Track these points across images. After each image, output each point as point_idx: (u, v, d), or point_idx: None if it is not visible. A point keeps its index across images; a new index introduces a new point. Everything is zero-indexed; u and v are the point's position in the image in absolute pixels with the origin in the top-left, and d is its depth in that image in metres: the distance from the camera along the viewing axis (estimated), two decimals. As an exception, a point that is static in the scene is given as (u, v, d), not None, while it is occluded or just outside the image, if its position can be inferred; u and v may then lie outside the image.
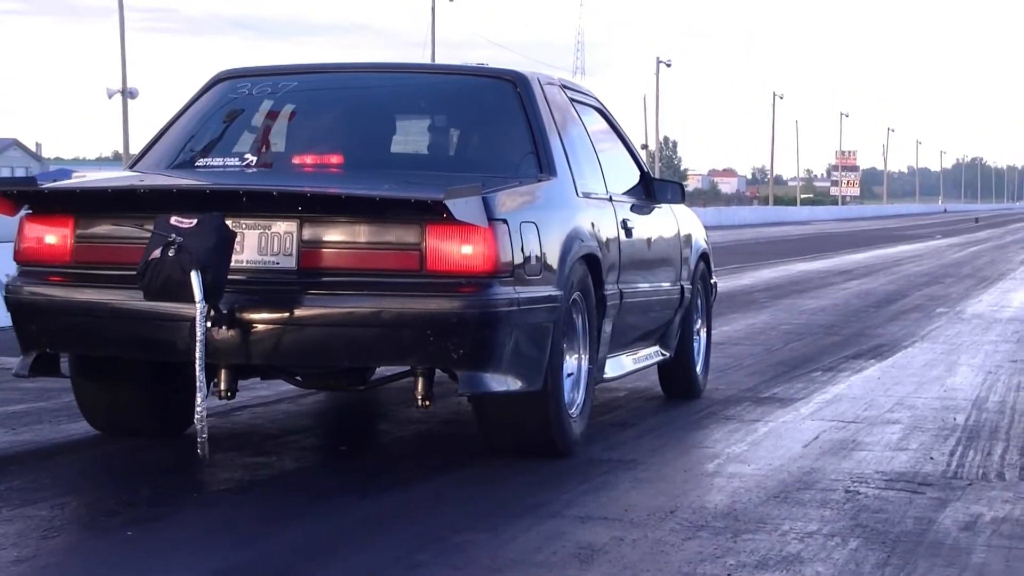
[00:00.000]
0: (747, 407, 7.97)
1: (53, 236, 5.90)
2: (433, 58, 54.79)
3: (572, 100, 7.19)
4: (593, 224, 6.60)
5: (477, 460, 6.23)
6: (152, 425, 6.53)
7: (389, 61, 7.83)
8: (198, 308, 5.43)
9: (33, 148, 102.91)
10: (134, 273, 5.54)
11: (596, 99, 7.73)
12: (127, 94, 50.61)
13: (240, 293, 5.62)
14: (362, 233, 5.65)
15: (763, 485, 5.80)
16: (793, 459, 6.40)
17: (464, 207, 5.45)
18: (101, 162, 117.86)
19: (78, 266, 5.88)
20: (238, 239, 5.62)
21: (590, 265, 6.46)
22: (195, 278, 5.41)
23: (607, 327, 6.75)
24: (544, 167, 6.45)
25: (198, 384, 5.49)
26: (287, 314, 5.62)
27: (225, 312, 5.58)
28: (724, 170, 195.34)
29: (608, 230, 6.82)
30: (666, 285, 7.79)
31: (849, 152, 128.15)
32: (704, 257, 8.57)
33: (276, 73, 7.09)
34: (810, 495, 5.62)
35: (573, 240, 6.26)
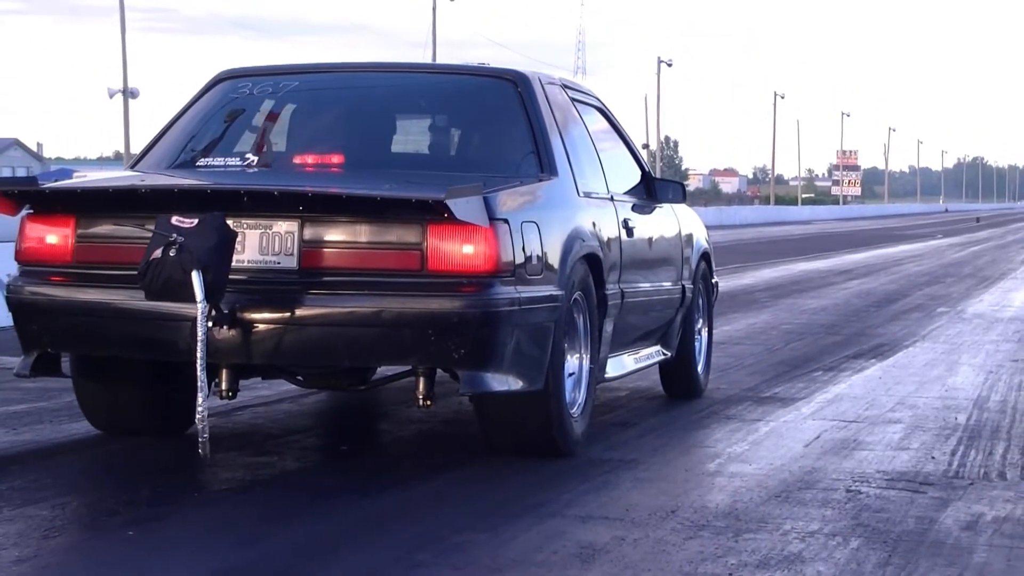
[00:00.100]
0: (748, 406, 7.97)
1: (54, 236, 5.90)
2: (434, 58, 54.80)
3: (573, 100, 7.19)
4: (594, 224, 6.60)
5: (478, 460, 6.23)
6: (153, 425, 6.53)
7: (390, 61, 7.83)
8: (199, 308, 5.43)
9: (34, 148, 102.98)
10: (135, 273, 5.54)
11: (597, 99, 7.73)
12: (128, 94, 50.63)
13: (241, 293, 5.62)
14: (363, 233, 5.65)
15: (764, 484, 5.80)
16: (794, 458, 6.40)
17: (465, 207, 5.45)
18: (102, 162, 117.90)
19: (79, 266, 5.88)
20: (239, 239, 5.62)
21: (591, 265, 6.46)
22: (196, 278, 5.41)
23: (608, 327, 6.75)
24: (545, 167, 6.45)
25: (199, 384, 5.49)
26: (288, 314, 5.62)
27: (226, 312, 5.58)
28: (725, 170, 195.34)
29: (609, 230, 6.82)
30: (667, 285, 7.79)
31: (850, 152, 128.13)
32: (705, 257, 8.57)
33: (277, 73, 7.09)
34: (811, 494, 5.62)
35: (574, 240, 6.26)
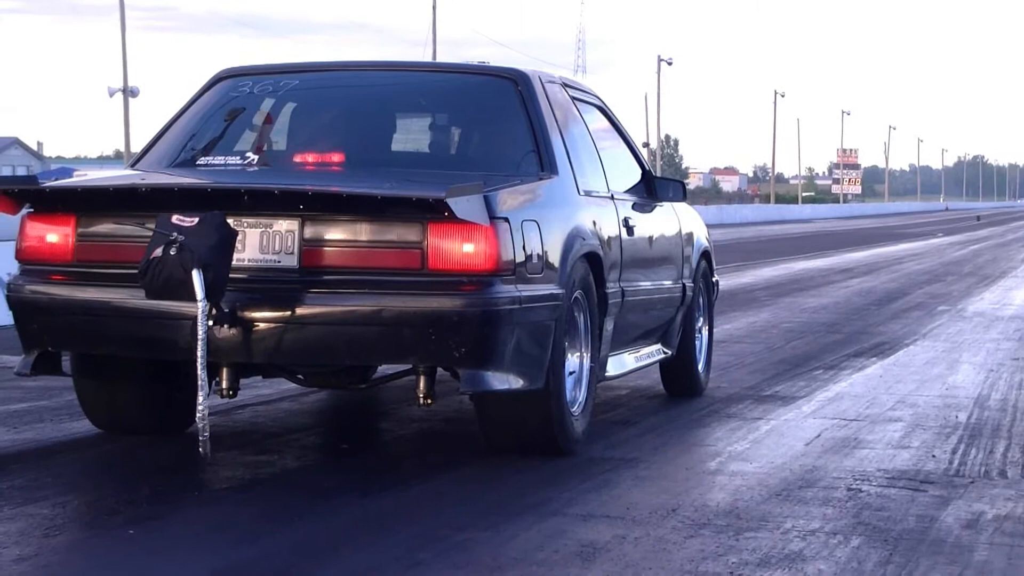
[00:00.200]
0: (749, 405, 7.97)
1: (55, 235, 5.90)
2: (434, 56, 54.80)
3: (573, 98, 7.19)
4: (595, 222, 6.60)
5: (478, 458, 6.23)
6: (153, 424, 6.53)
7: (390, 59, 7.83)
8: (200, 307, 5.43)
9: (34, 147, 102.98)
10: (136, 272, 5.54)
11: (597, 97, 7.73)
12: (128, 92, 50.63)
13: (242, 292, 5.62)
14: (364, 231, 5.64)
15: (765, 483, 5.80)
16: (795, 457, 6.39)
17: (465, 205, 5.45)
18: (102, 160, 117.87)
19: (80, 265, 5.88)
20: (239, 237, 5.62)
21: (592, 263, 6.46)
22: (197, 277, 5.41)
23: (609, 325, 6.75)
24: (545, 165, 6.45)
25: (200, 383, 5.49)
26: (289, 312, 5.62)
27: (227, 311, 5.58)
28: (725, 168, 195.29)
29: (610, 228, 6.82)
30: (668, 283, 7.79)
31: (851, 150, 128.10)
32: (706, 255, 8.57)
33: (277, 72, 7.09)
34: (812, 493, 5.62)
35: (575, 238, 6.26)
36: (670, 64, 74.36)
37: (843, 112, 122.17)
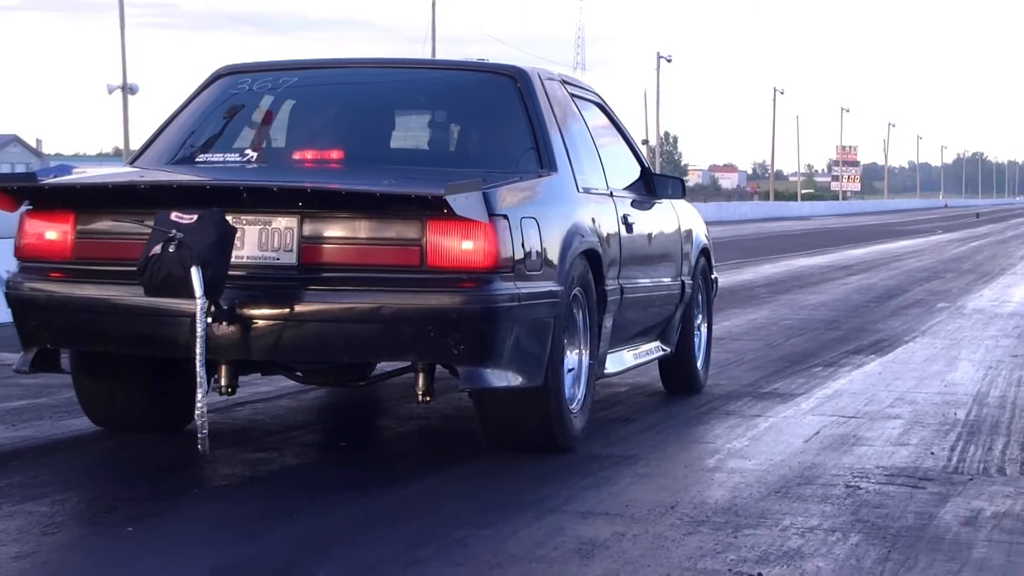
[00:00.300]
0: (748, 402, 7.97)
1: (53, 232, 5.90)
2: (433, 53, 54.76)
3: (572, 95, 7.19)
4: (594, 219, 6.59)
5: (477, 456, 6.23)
6: (152, 421, 6.53)
7: (390, 57, 7.82)
8: (198, 304, 5.43)
9: (33, 144, 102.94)
10: (134, 269, 5.54)
11: (596, 94, 7.73)
12: (127, 90, 50.60)
13: (240, 289, 5.62)
14: (362, 229, 5.64)
15: (764, 480, 5.80)
16: (794, 454, 6.40)
17: (465, 202, 5.44)
18: (101, 158, 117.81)
19: (78, 262, 5.88)
20: (238, 235, 5.62)
21: (591, 260, 6.46)
22: (195, 274, 5.41)
23: (608, 322, 6.75)
24: (544, 162, 6.45)
25: (198, 380, 5.49)
26: (288, 310, 5.62)
27: (226, 308, 5.58)
28: (725, 165, 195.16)
29: (609, 225, 6.82)
30: (667, 280, 7.79)
31: (850, 147, 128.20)
32: (705, 252, 8.57)
33: (276, 69, 7.09)
34: (811, 490, 5.62)
35: (573, 235, 6.26)
36: (669, 61, 74.38)
37: (842, 109, 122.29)
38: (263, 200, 5.68)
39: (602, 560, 4.53)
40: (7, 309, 6.10)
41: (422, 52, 58.05)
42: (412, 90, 7.09)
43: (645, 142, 70.51)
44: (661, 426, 7.23)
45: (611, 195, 7.04)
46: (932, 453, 6.49)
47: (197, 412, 5.53)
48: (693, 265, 8.29)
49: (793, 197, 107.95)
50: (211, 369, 5.78)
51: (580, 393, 6.40)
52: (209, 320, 5.52)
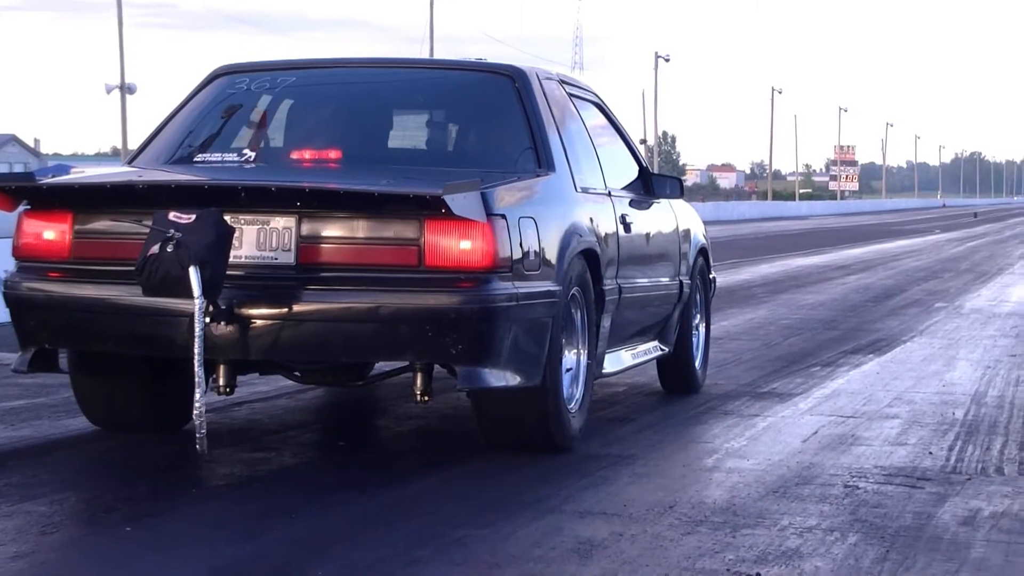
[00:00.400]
0: (746, 402, 7.97)
1: (51, 232, 5.90)
2: (432, 53, 54.74)
3: (570, 95, 7.19)
4: (592, 219, 6.59)
5: (476, 456, 6.22)
6: (151, 421, 6.53)
7: (388, 56, 7.82)
8: (197, 304, 5.43)
9: (31, 143, 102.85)
10: (132, 269, 5.53)
11: (594, 94, 7.73)
12: (125, 89, 50.60)
13: (239, 289, 5.62)
14: (361, 228, 5.64)
15: (762, 480, 5.80)
16: (792, 454, 6.40)
17: (463, 202, 5.44)
18: (99, 157, 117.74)
19: (76, 262, 5.87)
20: (236, 234, 5.62)
21: (589, 260, 6.46)
22: (193, 274, 5.41)
23: (606, 322, 6.75)
24: (542, 162, 6.45)
25: (197, 380, 5.49)
26: (286, 309, 5.62)
27: (224, 308, 5.58)
28: (723, 165, 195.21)
29: (607, 225, 6.82)
30: (665, 280, 7.79)
31: (848, 147, 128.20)
32: (703, 252, 8.57)
33: (274, 68, 7.09)
34: (809, 490, 5.62)
35: (572, 235, 6.26)
36: (667, 61, 74.39)
37: (840, 109, 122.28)
38: (261, 200, 5.68)
39: (600, 560, 4.53)
40: (5, 309, 6.10)
41: (420, 52, 57.99)
42: (410, 90, 7.09)
43: (643, 142, 70.52)
44: (659, 426, 7.23)
45: (609, 195, 7.04)
46: (930, 453, 6.49)
47: (195, 412, 5.53)
48: (691, 265, 8.29)
49: (791, 197, 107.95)
50: (209, 369, 5.78)
51: (578, 393, 6.40)
52: (207, 320, 5.52)
